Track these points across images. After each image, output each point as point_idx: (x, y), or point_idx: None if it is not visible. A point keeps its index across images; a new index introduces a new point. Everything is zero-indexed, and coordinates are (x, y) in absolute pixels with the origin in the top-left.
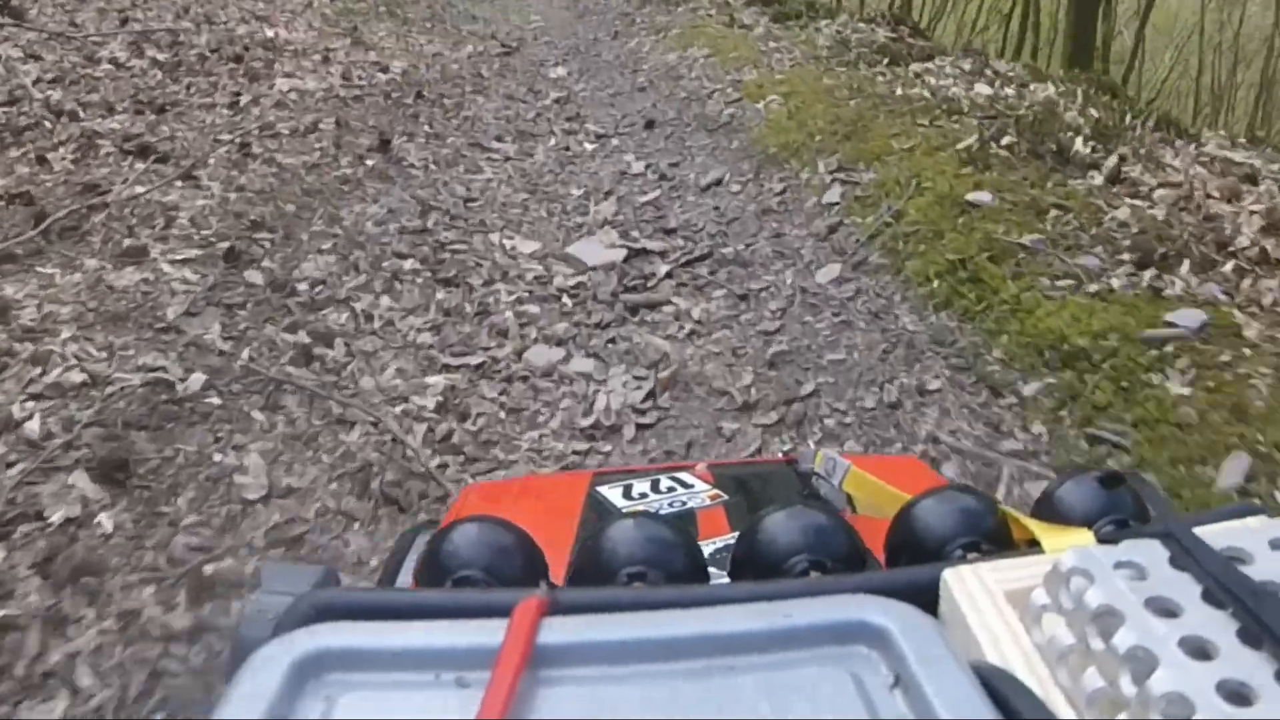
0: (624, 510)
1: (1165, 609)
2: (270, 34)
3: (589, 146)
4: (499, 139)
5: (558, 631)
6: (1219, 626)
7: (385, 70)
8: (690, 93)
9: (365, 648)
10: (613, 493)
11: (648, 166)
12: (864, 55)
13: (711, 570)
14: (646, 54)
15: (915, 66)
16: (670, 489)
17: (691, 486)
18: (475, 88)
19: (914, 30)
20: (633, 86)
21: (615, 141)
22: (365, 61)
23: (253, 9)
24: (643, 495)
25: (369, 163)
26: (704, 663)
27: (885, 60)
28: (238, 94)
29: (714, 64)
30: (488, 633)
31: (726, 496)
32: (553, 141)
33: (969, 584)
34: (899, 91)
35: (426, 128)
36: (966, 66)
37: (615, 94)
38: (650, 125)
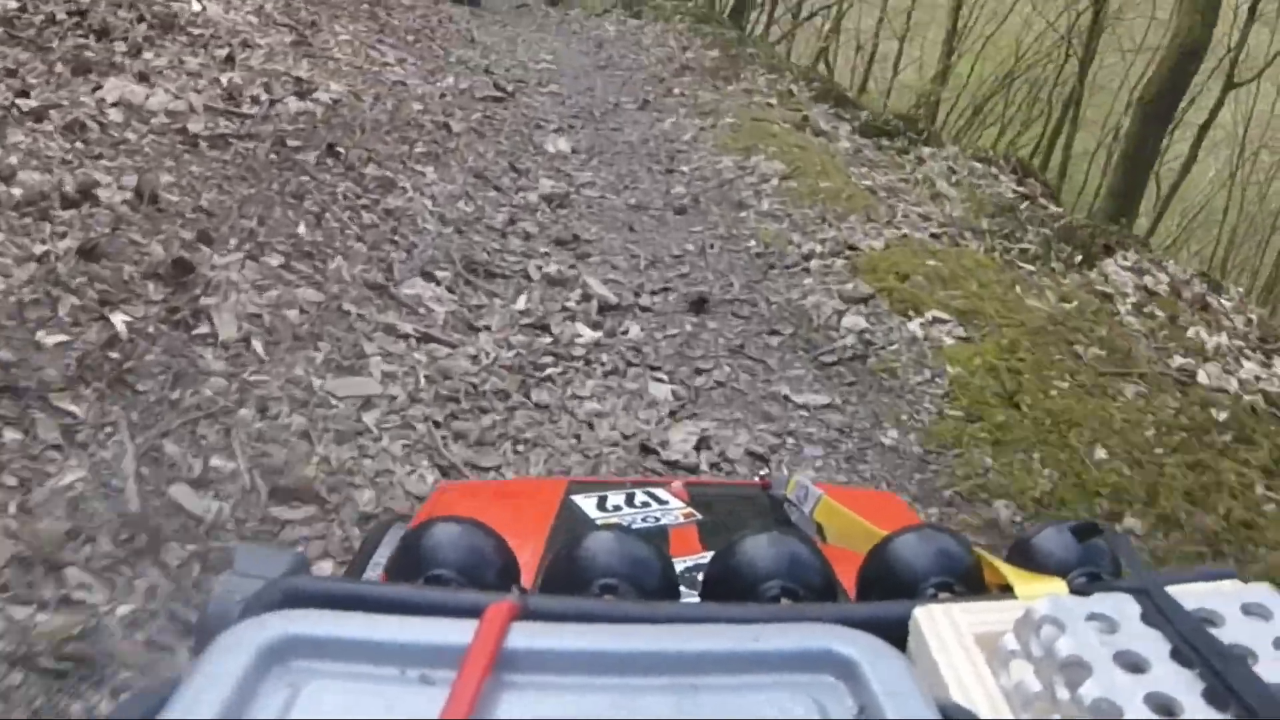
0: (597, 521)
1: (1134, 664)
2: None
3: (585, 333)
4: (427, 276)
5: (527, 637)
6: (1186, 685)
7: (306, 95)
8: (766, 245)
9: (333, 637)
10: (587, 503)
11: (701, 439)
12: (1032, 237)
13: (683, 589)
14: (688, 146)
15: (1113, 270)
16: (645, 504)
17: (666, 503)
18: (430, 149)
19: (1044, 188)
20: (667, 200)
21: (634, 331)
22: (285, 74)
23: None
24: (616, 508)
25: (116, 324)
26: (671, 680)
27: (1077, 255)
28: (22, 93)
29: (795, 194)
30: (457, 632)
31: (700, 516)
32: (522, 302)
33: (939, 623)
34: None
35: (301, 228)
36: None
37: (640, 207)
38: (700, 306)
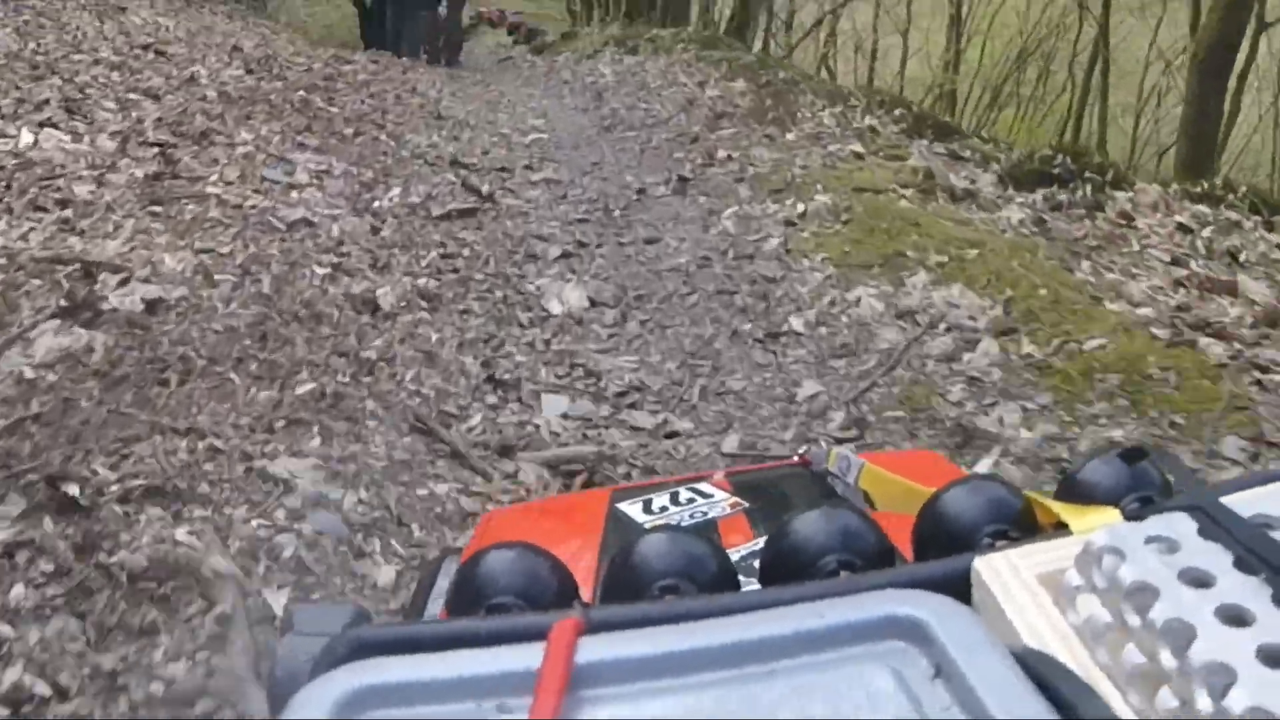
0: (646, 525)
1: (1199, 580)
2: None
3: None
4: None
5: (595, 650)
6: (1253, 593)
7: (86, 308)
8: None
9: (405, 682)
10: (633, 509)
11: None
12: None
13: (741, 578)
14: (780, 267)
15: None
16: (690, 500)
17: (711, 496)
18: (324, 383)
19: None
20: (802, 429)
21: None
22: (69, 261)
23: None
24: (663, 509)
25: None
26: (744, 670)
27: None
28: None
29: (1052, 379)
30: (526, 657)
31: (746, 503)
32: None
33: (1000, 571)
34: None
35: None
36: None
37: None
38: None
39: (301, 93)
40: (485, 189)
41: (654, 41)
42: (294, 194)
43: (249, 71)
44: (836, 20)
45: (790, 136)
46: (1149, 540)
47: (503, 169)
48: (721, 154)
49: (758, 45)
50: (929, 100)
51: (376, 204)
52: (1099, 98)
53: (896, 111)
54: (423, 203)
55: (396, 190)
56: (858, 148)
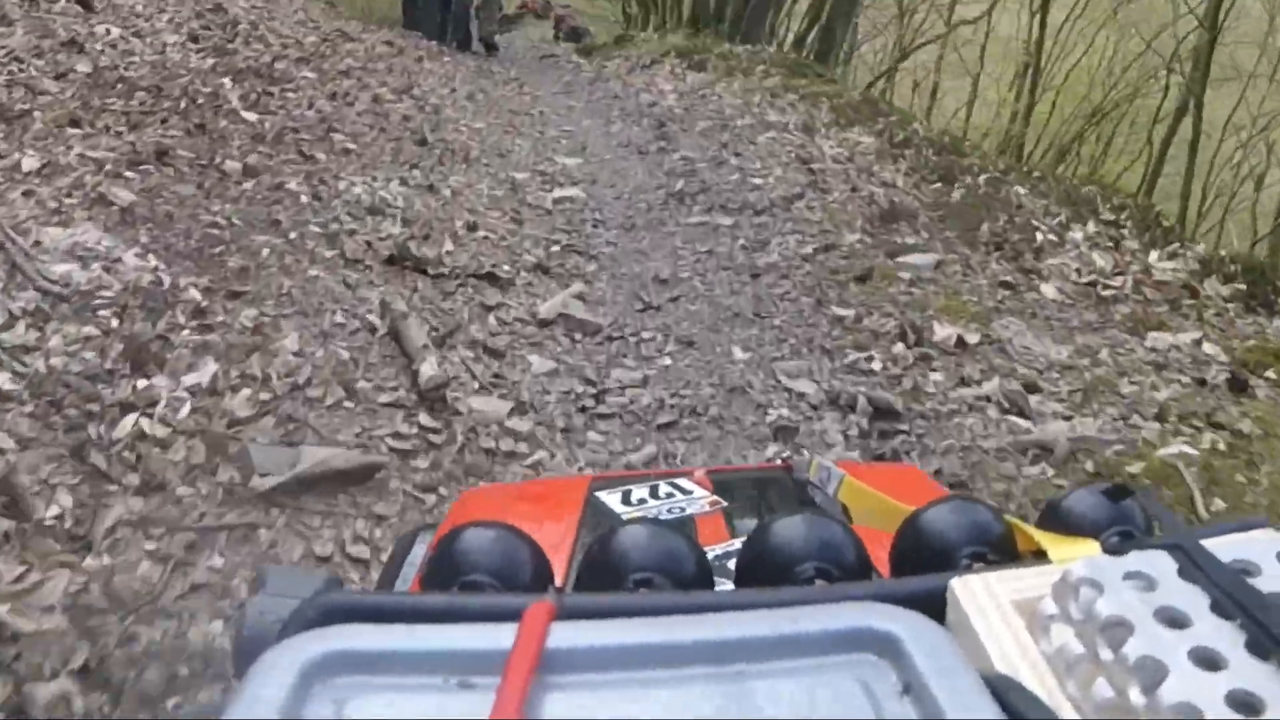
0: (624, 516)
1: (1174, 620)
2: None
3: None
4: None
5: (567, 636)
6: (1228, 637)
7: None
8: None
9: (374, 650)
10: (611, 498)
11: None
12: None
13: (715, 577)
14: None
15: None
16: (669, 494)
17: (690, 493)
18: None
19: None
20: None
21: None
22: None
23: None
24: (641, 501)
25: None
26: (713, 669)
27: None
28: None
29: None
30: (497, 637)
31: (725, 503)
32: None
33: (977, 593)
34: None
35: None
36: None
37: None
38: None
39: (227, 81)
40: (428, 372)
41: (726, 59)
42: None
43: (192, 40)
44: (905, 56)
45: (1049, 292)
46: (1127, 576)
47: (487, 278)
48: (942, 331)
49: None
50: (993, 146)
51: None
52: (1185, 173)
53: (1167, 242)
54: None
55: (191, 377)
56: (1193, 333)
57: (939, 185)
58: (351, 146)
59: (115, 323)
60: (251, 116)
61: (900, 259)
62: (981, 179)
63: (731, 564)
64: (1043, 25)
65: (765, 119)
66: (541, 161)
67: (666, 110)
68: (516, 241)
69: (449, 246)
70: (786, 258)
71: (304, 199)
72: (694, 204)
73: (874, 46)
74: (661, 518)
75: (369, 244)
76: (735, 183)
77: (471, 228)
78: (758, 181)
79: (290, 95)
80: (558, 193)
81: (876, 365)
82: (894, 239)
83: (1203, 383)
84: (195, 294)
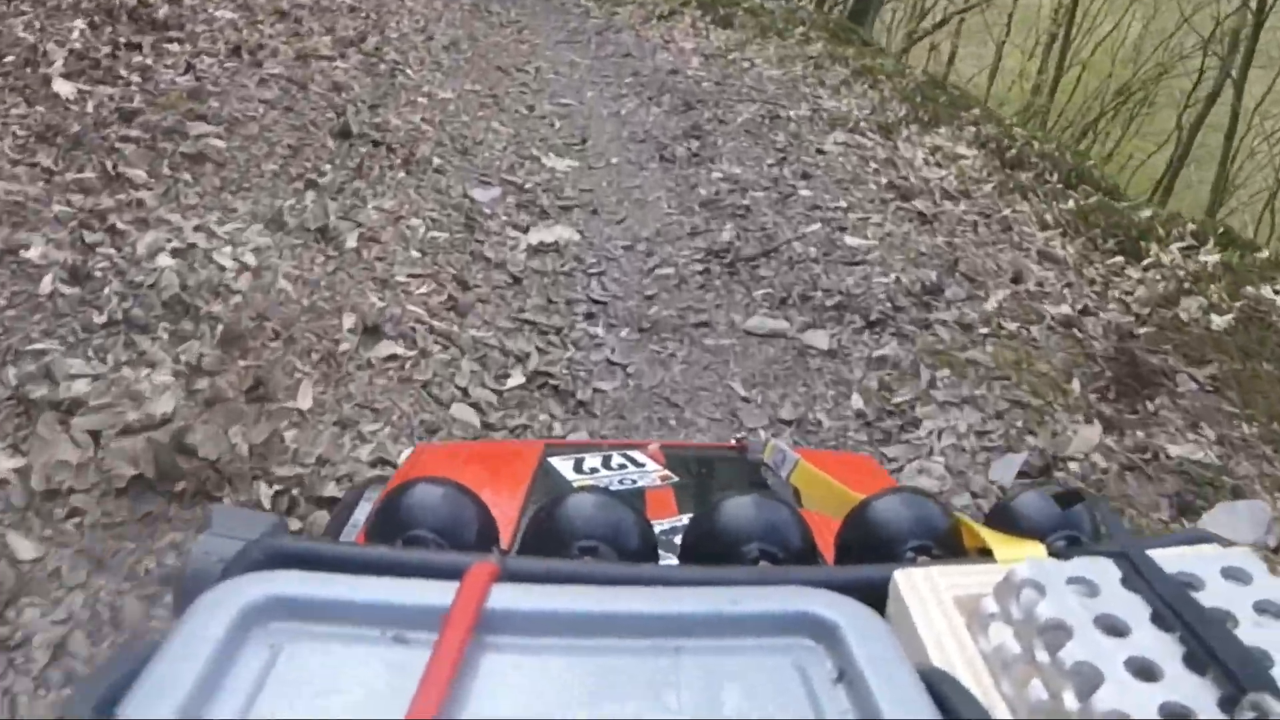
0: (574, 484)
1: (1114, 627)
2: None
3: None
4: None
5: (507, 598)
6: (1166, 649)
7: None
8: None
9: (315, 598)
10: (564, 465)
11: None
12: None
13: (660, 552)
14: None
15: None
16: (621, 466)
17: (643, 465)
18: None
19: None
20: None
21: None
22: None
23: None
24: (593, 470)
25: None
26: (650, 642)
27: None
28: None
29: None
30: (437, 594)
31: (676, 479)
32: None
33: (918, 586)
34: None
35: None
36: None
37: None
38: None
39: (80, 23)
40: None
41: (756, 16)
42: None
43: None
44: (942, 24)
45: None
46: (1071, 580)
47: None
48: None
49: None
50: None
51: None
52: (1221, 160)
53: None
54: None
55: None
56: None
57: (1120, 260)
58: (217, 145)
59: None
60: (67, 90)
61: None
62: (1175, 250)
63: (678, 540)
64: None
65: (822, 106)
66: (522, 163)
67: (693, 83)
68: (445, 364)
69: (305, 401)
70: (959, 472)
71: (47, 283)
72: (755, 280)
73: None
74: (612, 488)
75: (96, 438)
76: (817, 240)
77: (369, 334)
78: (853, 243)
79: (168, 49)
80: (536, 235)
81: None
82: (1153, 440)
83: None
84: None
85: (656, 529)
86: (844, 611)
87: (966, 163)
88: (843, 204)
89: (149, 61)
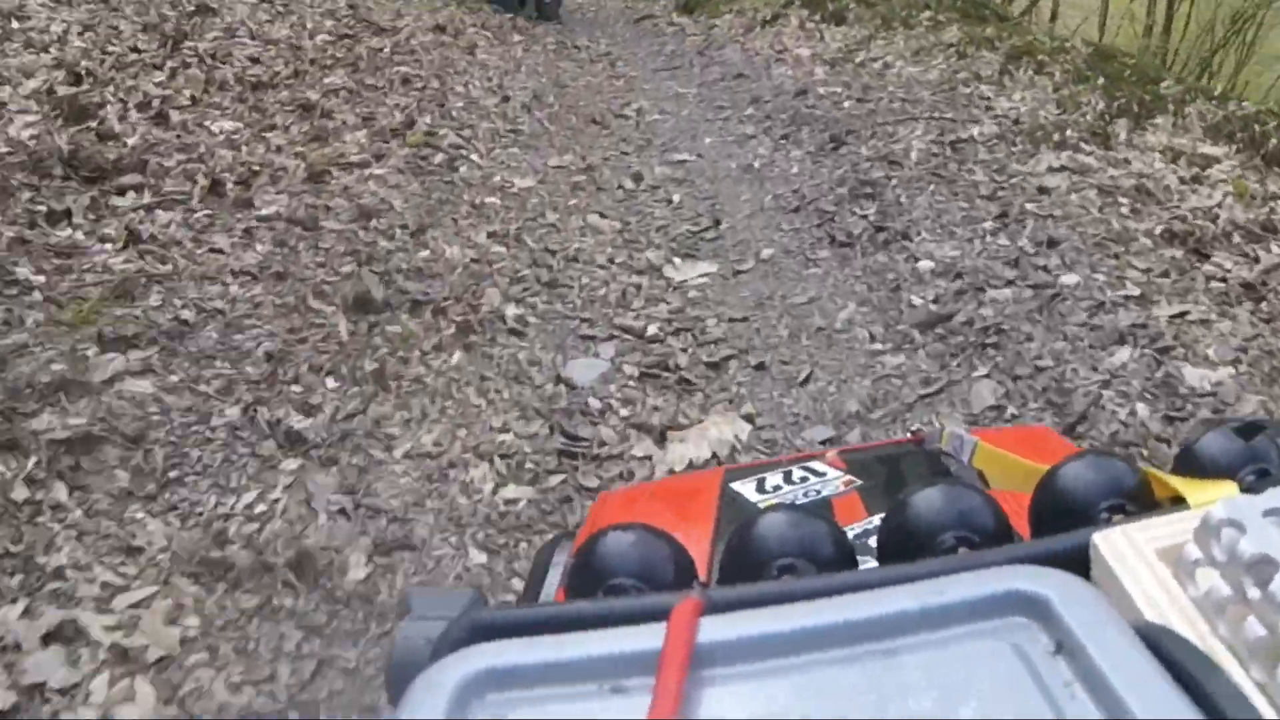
0: (760, 505)
1: None
2: None
3: None
4: None
5: (716, 630)
6: None
7: None
8: None
9: (527, 664)
10: (746, 488)
11: None
12: None
13: (858, 556)
14: None
15: None
16: (803, 478)
17: (824, 474)
18: None
19: None
20: None
21: None
22: None
23: None
24: (776, 488)
25: None
26: (865, 648)
27: None
28: None
29: None
30: (647, 638)
31: (860, 481)
32: None
33: (1119, 545)
34: None
35: None
36: None
37: None
38: None
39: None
40: None
41: (870, 5)
42: None
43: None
44: None
45: None
46: (1268, 513)
47: None
48: None
49: None
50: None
51: None
52: None
53: None
54: None
55: None
56: None
57: None
58: (138, 390)
59: None
60: None
61: None
62: None
63: (872, 541)
64: None
65: (1000, 111)
66: (637, 286)
67: (829, 103)
68: None
69: None
70: None
71: None
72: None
73: None
74: (798, 502)
75: None
76: (1139, 380)
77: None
78: (1194, 378)
79: (115, 205)
80: (679, 449)
81: None
82: None
83: None
84: None
85: (850, 534)
86: (1050, 583)
87: (1225, 168)
88: (1130, 288)
89: (79, 236)
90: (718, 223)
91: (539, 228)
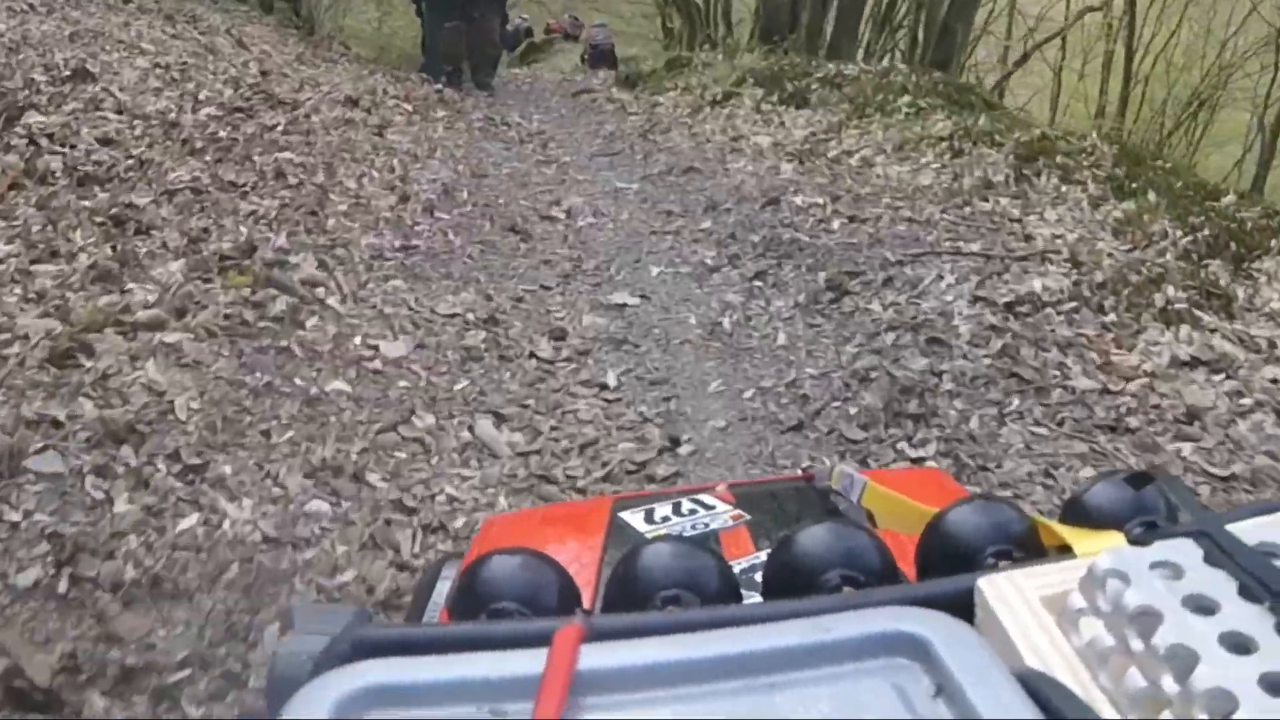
0: (647, 535)
1: (1203, 606)
2: None
3: None
4: None
5: (597, 658)
6: (1257, 621)
7: None
8: None
9: (407, 683)
10: (634, 518)
11: None
12: None
13: (742, 591)
14: None
15: None
16: (692, 511)
17: (713, 508)
18: None
19: None
20: None
21: None
22: None
23: None
24: (665, 519)
25: None
26: (746, 682)
27: None
28: None
29: None
30: (528, 663)
31: (748, 516)
32: None
33: (1004, 591)
34: None
35: None
36: None
37: None
38: None
39: None
40: None
41: (838, 87)
42: None
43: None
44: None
45: None
46: (1154, 565)
47: None
48: None
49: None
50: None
51: None
52: None
53: None
54: None
55: None
56: None
57: None
58: None
59: None
60: None
61: None
62: None
63: (758, 576)
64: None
65: (1048, 246)
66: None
67: (814, 221)
68: None
69: None
70: None
71: None
72: None
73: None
74: (685, 534)
75: None
76: None
77: None
78: None
79: None
80: None
81: None
82: None
83: None
84: None
85: (736, 568)
86: (934, 626)
87: None
88: None
89: None
90: (675, 443)
91: (397, 448)
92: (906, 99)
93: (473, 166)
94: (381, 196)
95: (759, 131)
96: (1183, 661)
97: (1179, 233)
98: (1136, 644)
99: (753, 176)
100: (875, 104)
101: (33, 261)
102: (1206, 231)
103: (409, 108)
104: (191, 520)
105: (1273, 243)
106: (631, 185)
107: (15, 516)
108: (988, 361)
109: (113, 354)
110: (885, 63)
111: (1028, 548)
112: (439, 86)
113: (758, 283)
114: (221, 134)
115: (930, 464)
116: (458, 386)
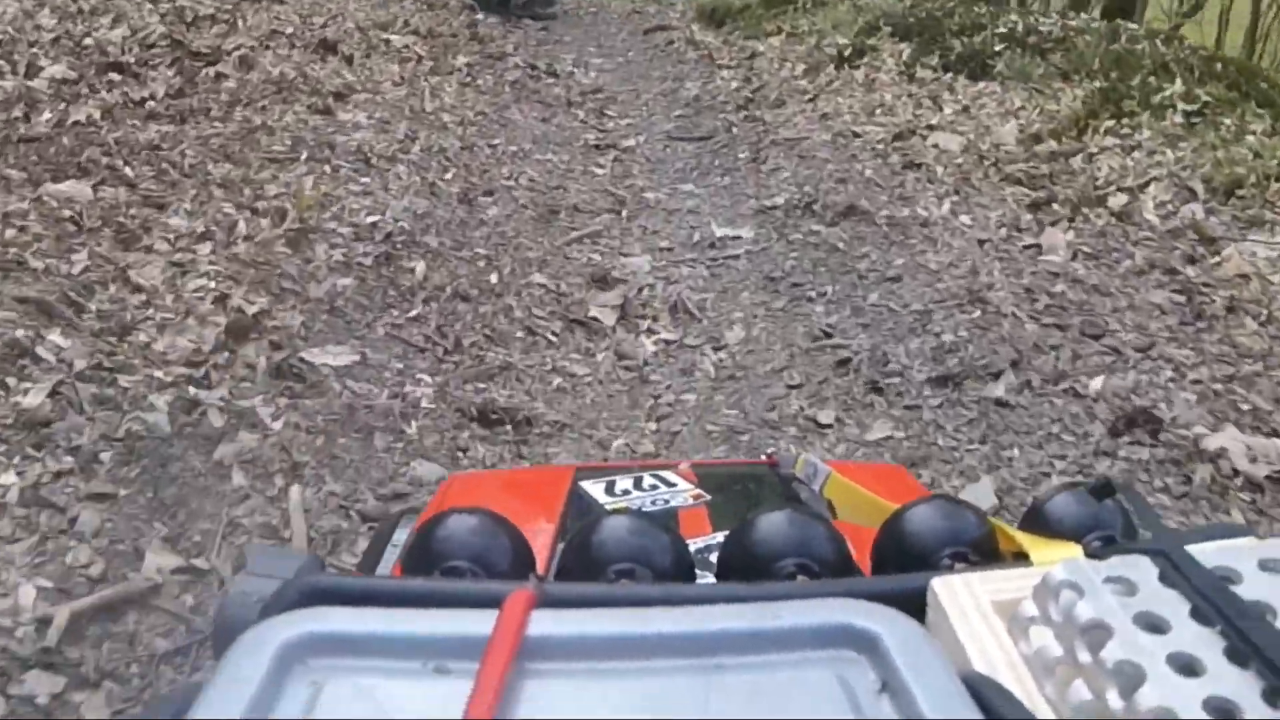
0: (607, 507)
1: (1154, 625)
2: None
3: None
4: None
5: (547, 625)
6: (1207, 644)
7: None
8: None
9: (354, 633)
10: (595, 489)
11: None
12: None
13: (697, 570)
14: None
15: None
16: (653, 486)
17: (674, 485)
18: None
19: None
20: None
21: None
22: None
23: None
24: (625, 492)
25: None
26: (692, 661)
27: None
28: None
29: None
30: (477, 623)
31: (709, 497)
32: None
33: (957, 593)
34: None
35: None
36: None
37: None
38: None
39: None
40: None
41: (1033, 49)
42: None
43: None
44: None
45: None
46: (1108, 580)
47: None
48: None
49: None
50: None
51: None
52: None
53: None
54: None
55: None
56: None
57: None
58: None
59: None
60: None
61: None
62: None
63: (713, 558)
64: None
65: None
66: None
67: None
68: None
69: None
70: None
71: None
72: None
73: None
74: (645, 509)
75: None
76: None
77: None
78: None
79: None
80: None
81: None
82: None
83: None
84: None
85: (691, 548)
86: (884, 622)
87: None
88: None
89: None
90: None
91: None
92: (1178, 87)
93: (473, 172)
94: (204, 319)
95: (932, 119)
96: (1129, 678)
97: None
98: (1084, 656)
99: (980, 247)
100: (1123, 90)
101: None
102: None
103: (421, 50)
104: None
105: None
106: (741, 232)
107: None
108: None
109: None
110: (1083, 16)
111: (984, 552)
112: (480, 15)
113: None
114: None
115: None
116: None
